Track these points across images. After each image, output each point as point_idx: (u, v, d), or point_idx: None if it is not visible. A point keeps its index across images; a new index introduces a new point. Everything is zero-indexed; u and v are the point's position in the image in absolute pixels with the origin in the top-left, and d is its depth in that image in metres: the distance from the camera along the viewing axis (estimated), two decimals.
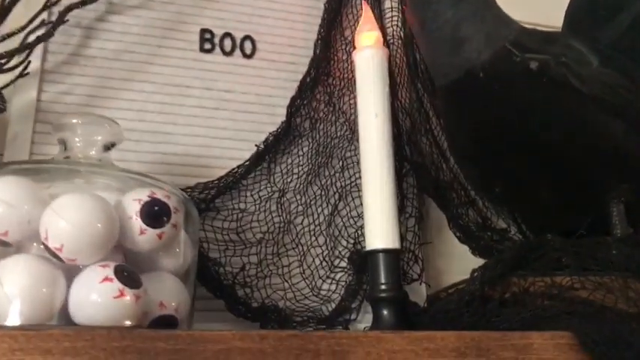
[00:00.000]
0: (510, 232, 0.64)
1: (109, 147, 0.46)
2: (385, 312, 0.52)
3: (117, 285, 0.36)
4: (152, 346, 0.32)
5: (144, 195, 0.40)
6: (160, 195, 0.41)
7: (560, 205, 0.52)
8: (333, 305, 0.58)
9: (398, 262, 0.54)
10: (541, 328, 0.40)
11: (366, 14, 0.61)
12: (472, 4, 0.51)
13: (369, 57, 0.57)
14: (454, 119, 0.55)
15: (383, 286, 0.52)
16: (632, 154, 0.49)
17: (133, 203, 0.40)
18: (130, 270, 0.38)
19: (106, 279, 0.36)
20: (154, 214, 0.40)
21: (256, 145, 0.60)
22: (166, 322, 0.40)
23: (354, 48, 0.59)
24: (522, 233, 0.61)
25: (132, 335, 0.32)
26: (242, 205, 0.58)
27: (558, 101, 0.48)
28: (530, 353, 0.38)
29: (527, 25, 0.53)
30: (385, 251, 0.53)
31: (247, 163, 0.59)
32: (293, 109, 0.62)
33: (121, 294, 0.36)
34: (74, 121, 0.44)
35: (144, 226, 0.39)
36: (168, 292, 0.41)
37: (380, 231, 0.53)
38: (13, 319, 0.35)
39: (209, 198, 0.56)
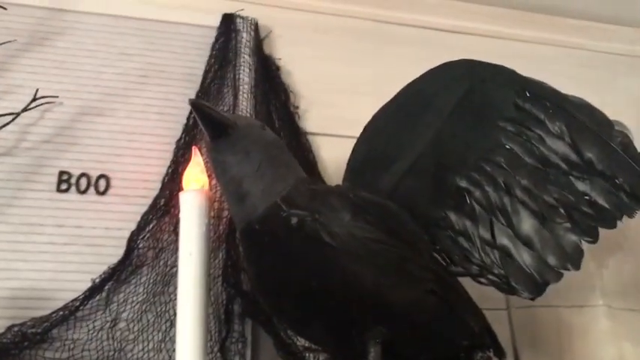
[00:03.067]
0: None
1: None
2: None
3: None
4: None
5: None
6: None
7: (334, 341, 0.58)
8: None
9: None
10: None
11: (195, 158, 0.68)
12: (254, 162, 0.58)
13: (189, 200, 0.65)
14: (245, 260, 0.62)
15: None
16: (384, 297, 0.54)
17: None
18: None
19: None
20: None
21: (92, 280, 0.67)
22: None
23: (181, 189, 0.67)
24: None
25: None
26: (76, 335, 0.65)
27: (314, 253, 0.54)
28: None
29: None
30: None
31: (82, 296, 0.66)
32: (132, 243, 0.69)
33: None
34: None
35: None
36: None
37: None
38: None
39: (43, 331, 0.63)
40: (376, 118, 0.64)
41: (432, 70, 0.62)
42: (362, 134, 0.64)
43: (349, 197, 0.56)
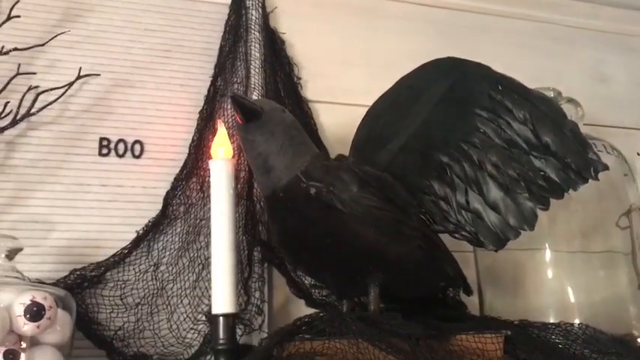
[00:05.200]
0: None
1: (11, 256, 0.66)
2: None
3: None
4: None
5: (26, 299, 0.61)
6: (38, 298, 0.62)
7: (341, 285, 0.73)
8: (194, 349, 0.79)
9: (234, 323, 0.74)
10: None
11: (220, 131, 0.81)
12: (278, 141, 0.71)
13: (218, 167, 0.77)
14: (270, 221, 0.76)
15: (221, 341, 0.72)
16: (382, 252, 0.69)
17: (19, 306, 0.61)
18: (13, 350, 0.59)
19: None
20: (33, 313, 0.61)
21: (136, 232, 0.80)
22: None
23: (209, 156, 0.80)
24: None
25: None
26: (125, 277, 0.79)
27: (328, 217, 0.68)
28: None
29: None
30: (224, 315, 0.73)
31: (129, 245, 0.79)
32: (168, 200, 0.82)
33: None
34: None
35: (26, 321, 0.60)
36: (45, 358, 0.62)
37: (220, 300, 0.74)
38: None
39: (99, 274, 0.77)
40: (375, 105, 0.77)
41: (422, 66, 0.75)
42: (364, 119, 0.77)
43: (356, 172, 0.70)
